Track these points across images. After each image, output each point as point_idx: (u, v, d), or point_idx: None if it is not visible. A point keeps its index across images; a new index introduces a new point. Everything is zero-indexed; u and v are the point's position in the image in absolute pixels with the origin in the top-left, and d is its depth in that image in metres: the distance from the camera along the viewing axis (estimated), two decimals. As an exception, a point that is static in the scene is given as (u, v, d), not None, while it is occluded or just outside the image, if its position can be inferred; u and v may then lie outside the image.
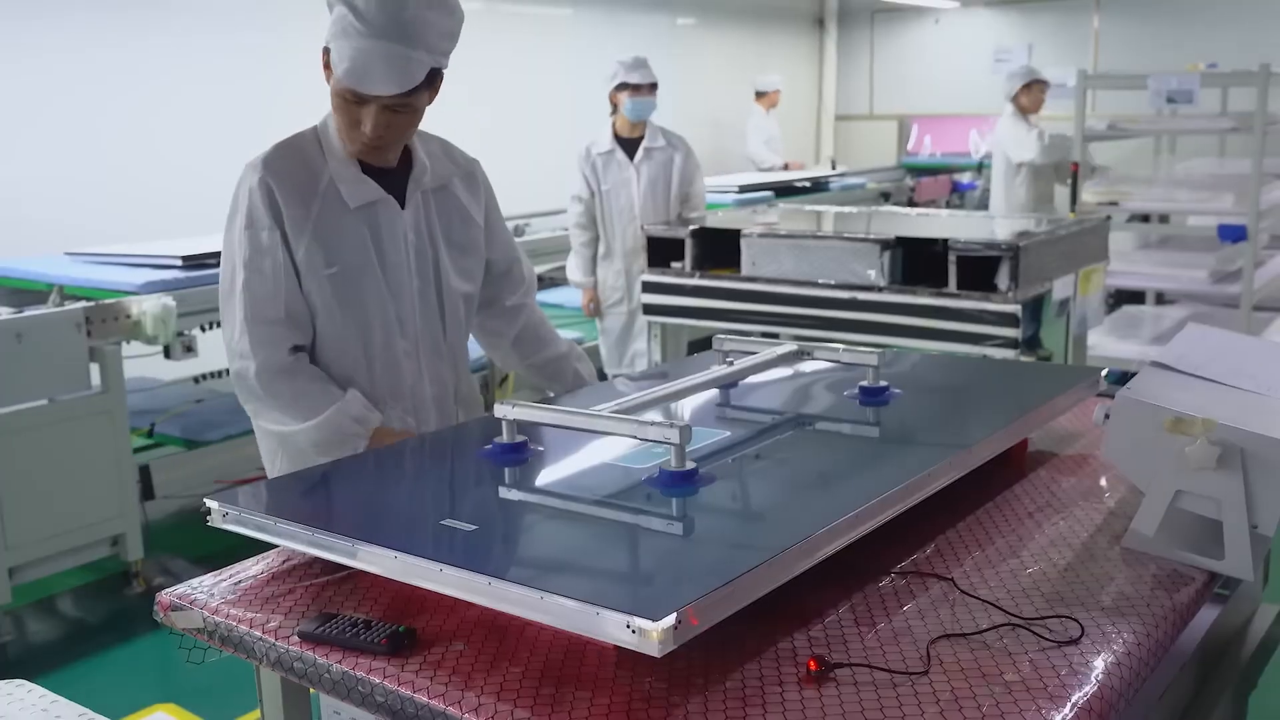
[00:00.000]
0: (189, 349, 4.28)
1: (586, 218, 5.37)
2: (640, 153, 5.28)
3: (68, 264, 4.59)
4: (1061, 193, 7.13)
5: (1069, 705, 1.34)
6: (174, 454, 4.64)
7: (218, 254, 4.33)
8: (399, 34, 2.03)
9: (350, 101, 2.11)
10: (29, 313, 3.92)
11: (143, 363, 4.63)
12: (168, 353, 4.27)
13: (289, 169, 2.18)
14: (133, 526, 4.16)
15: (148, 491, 4.40)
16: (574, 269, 5.50)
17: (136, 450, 4.40)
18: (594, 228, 5.39)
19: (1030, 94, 7.18)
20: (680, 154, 5.31)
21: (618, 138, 5.30)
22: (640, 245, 5.13)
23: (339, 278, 2.22)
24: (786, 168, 9.33)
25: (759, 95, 9.63)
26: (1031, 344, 3.86)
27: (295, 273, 2.21)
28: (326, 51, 2.10)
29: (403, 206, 2.29)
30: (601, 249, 5.40)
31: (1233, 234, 5.54)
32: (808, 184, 7.78)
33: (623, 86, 5.26)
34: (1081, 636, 1.50)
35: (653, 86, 5.26)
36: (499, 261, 2.54)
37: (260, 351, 2.17)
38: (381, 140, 2.18)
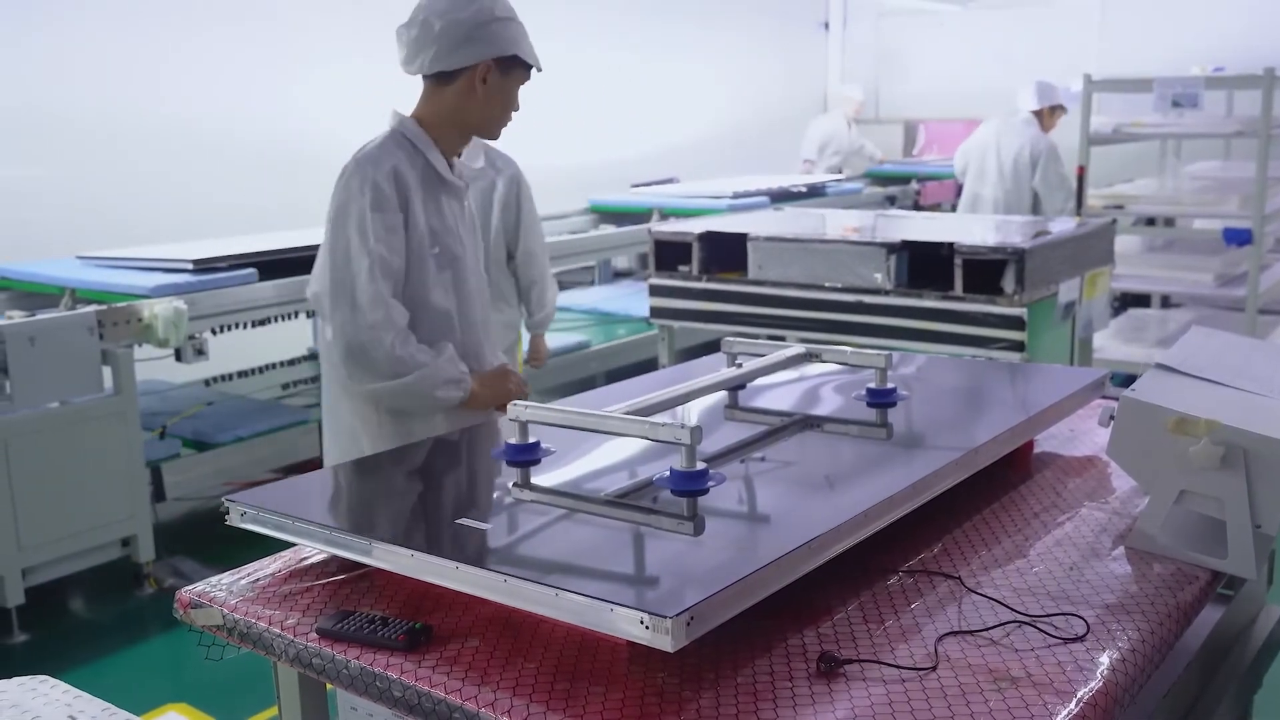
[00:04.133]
0: (200, 352, 4.31)
1: None
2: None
3: (80, 267, 4.61)
4: None
5: (1074, 701, 1.37)
6: (185, 456, 4.67)
7: (229, 258, 4.47)
8: None
9: (518, 85, 2.49)
10: (42, 316, 3.95)
11: (154, 365, 4.65)
12: (179, 356, 4.29)
13: (406, 158, 2.43)
14: (144, 528, 4.19)
15: (159, 493, 4.43)
16: None
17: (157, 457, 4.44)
18: None
19: (1053, 116, 7.06)
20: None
21: None
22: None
23: (440, 258, 2.47)
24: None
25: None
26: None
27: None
28: (488, 65, 2.43)
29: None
30: None
31: (1238, 237, 5.56)
32: (804, 189, 7.79)
33: None
34: (1087, 634, 1.52)
35: None
36: None
37: (400, 319, 2.38)
38: None
